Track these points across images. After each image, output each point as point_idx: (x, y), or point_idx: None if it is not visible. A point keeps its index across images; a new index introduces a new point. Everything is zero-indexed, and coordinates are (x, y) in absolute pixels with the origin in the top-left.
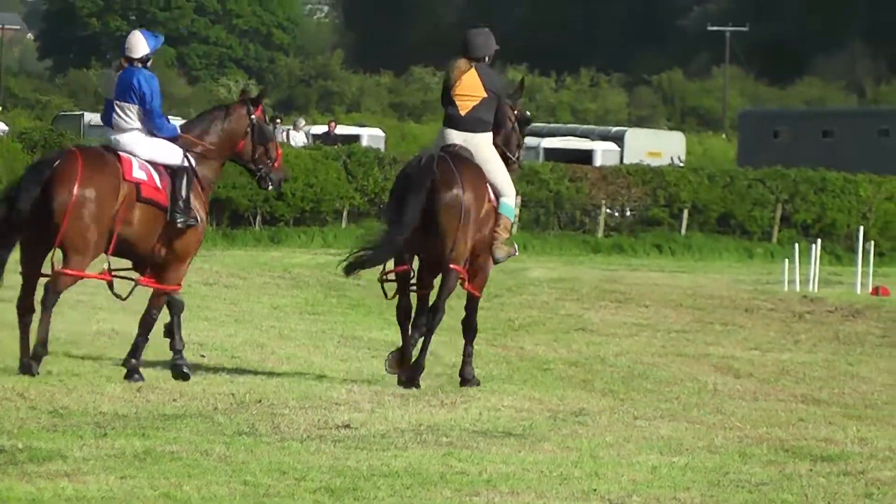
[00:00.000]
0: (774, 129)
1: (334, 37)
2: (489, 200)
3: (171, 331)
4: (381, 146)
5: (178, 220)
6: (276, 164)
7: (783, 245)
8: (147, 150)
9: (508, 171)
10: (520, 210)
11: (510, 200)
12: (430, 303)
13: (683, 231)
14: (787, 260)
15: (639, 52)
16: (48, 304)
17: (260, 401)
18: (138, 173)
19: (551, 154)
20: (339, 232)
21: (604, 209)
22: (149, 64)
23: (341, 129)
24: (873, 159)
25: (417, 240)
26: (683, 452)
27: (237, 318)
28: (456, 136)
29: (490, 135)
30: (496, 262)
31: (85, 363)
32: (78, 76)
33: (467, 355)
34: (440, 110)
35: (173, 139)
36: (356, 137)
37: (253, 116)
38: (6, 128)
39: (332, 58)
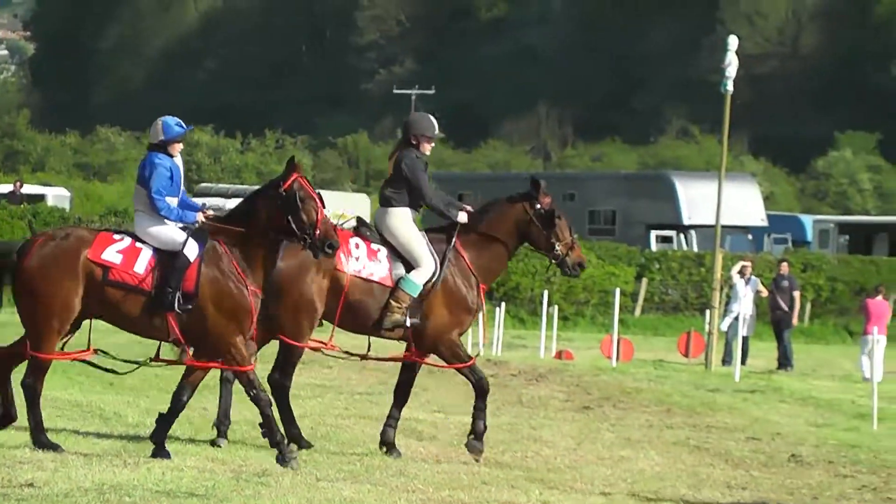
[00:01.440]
0: (459, 193)
1: (20, 96)
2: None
3: None
4: (67, 206)
5: (161, 305)
6: (316, 232)
7: None
8: (146, 233)
9: (561, 266)
10: None
11: (417, 276)
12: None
13: None
14: None
15: (324, 114)
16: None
17: None
18: (112, 256)
19: None
20: None
21: None
22: (170, 149)
23: (27, 189)
24: None
25: None
26: None
27: None
28: (378, 212)
29: (402, 210)
30: (381, 328)
31: None
32: None
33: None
34: (126, 170)
35: (185, 223)
36: (42, 197)
37: (282, 189)
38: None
39: (19, 117)
